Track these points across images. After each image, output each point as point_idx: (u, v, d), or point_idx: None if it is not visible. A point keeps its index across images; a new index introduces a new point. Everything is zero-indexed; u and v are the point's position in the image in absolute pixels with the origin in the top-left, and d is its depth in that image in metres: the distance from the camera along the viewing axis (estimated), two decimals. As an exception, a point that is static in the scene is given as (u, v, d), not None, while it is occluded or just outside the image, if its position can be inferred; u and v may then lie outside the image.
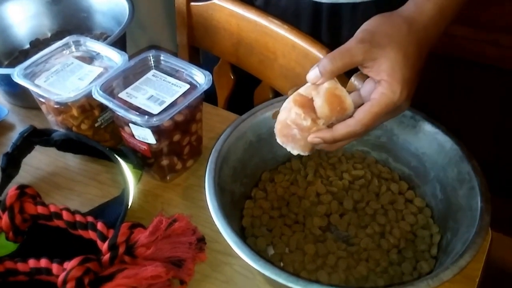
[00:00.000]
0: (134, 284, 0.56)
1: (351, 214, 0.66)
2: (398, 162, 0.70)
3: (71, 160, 0.76)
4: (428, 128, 0.65)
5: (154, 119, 0.62)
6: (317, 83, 0.54)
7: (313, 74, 0.54)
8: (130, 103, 0.65)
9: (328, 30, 0.85)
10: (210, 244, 0.63)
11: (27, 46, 0.93)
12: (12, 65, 0.89)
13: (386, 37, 0.53)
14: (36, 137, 0.71)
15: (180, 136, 0.67)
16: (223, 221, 0.55)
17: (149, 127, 0.63)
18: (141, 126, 0.63)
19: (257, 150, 0.68)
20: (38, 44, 0.93)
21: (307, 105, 0.55)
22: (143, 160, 0.69)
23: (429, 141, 0.65)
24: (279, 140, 0.59)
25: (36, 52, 0.73)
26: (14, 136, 0.71)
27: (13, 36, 0.92)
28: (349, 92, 0.56)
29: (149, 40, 1.43)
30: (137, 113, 0.63)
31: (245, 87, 0.98)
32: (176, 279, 0.59)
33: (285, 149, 0.70)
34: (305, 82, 0.78)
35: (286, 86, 0.88)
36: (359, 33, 0.55)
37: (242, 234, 0.64)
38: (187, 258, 0.60)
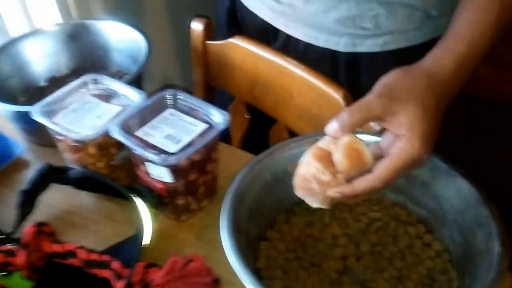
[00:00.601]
0: (149, 325, 0.59)
1: (368, 258, 0.68)
2: (416, 205, 0.73)
3: (85, 198, 0.80)
4: (445, 170, 0.68)
5: (171, 158, 0.66)
6: (335, 136, 0.58)
7: (331, 127, 0.57)
8: (147, 142, 0.69)
9: (346, 78, 0.90)
10: (225, 285, 0.66)
11: (43, 83, 0.99)
12: (28, 102, 0.94)
13: (405, 91, 0.57)
14: (52, 174, 0.75)
15: (196, 175, 0.71)
16: (239, 262, 0.58)
17: (166, 166, 0.67)
18: (157, 164, 0.67)
19: (272, 190, 0.72)
20: (54, 82, 0.98)
21: (326, 158, 0.58)
22: (158, 199, 0.73)
23: (447, 183, 0.68)
24: (298, 193, 0.62)
25: (52, 90, 0.79)
26: (29, 173, 0.75)
27: (30, 73, 0.97)
28: (369, 136, 0.59)
29: (162, 77, 1.49)
30: (154, 151, 0.67)
31: (260, 127, 1.02)
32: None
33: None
34: (320, 121, 0.82)
35: (302, 126, 0.92)
36: (378, 87, 0.58)
37: (257, 276, 0.67)
38: (202, 299, 0.63)
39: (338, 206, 0.74)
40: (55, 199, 0.79)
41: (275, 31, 0.92)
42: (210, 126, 0.72)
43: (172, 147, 0.68)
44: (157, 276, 0.62)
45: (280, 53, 0.91)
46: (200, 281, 0.64)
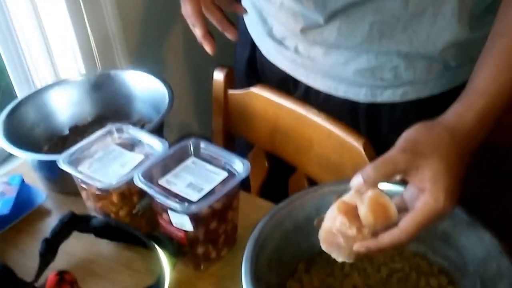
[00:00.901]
0: None
1: (389, 309, 0.70)
2: (437, 255, 0.74)
3: (105, 246, 0.83)
4: (466, 220, 0.70)
5: (193, 207, 0.69)
6: (360, 190, 0.60)
7: (356, 181, 0.60)
8: (170, 190, 0.72)
9: (366, 128, 0.92)
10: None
11: (67, 132, 1.03)
12: (51, 150, 0.98)
13: (428, 146, 0.60)
14: (75, 223, 0.78)
15: (217, 223, 0.74)
16: None
17: (188, 214, 0.70)
18: (179, 213, 0.70)
19: (293, 239, 0.74)
20: (76, 131, 1.03)
21: (352, 213, 0.60)
22: (178, 248, 0.75)
23: (468, 234, 0.69)
24: (323, 247, 0.64)
25: (75, 138, 0.83)
26: (50, 221, 0.79)
27: (54, 122, 1.02)
28: (391, 185, 0.62)
29: (181, 125, 1.54)
30: (177, 200, 0.70)
31: (279, 175, 1.05)
32: None
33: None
34: (340, 170, 0.85)
35: (322, 174, 0.94)
36: (401, 142, 0.61)
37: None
38: None
39: (358, 255, 0.76)
40: (75, 247, 0.82)
41: (295, 82, 0.96)
42: (231, 174, 0.75)
43: (194, 196, 0.71)
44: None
45: (301, 102, 0.94)
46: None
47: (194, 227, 0.71)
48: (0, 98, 1.19)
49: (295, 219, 0.73)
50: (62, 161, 0.78)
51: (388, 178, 0.60)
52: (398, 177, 0.64)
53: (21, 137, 0.94)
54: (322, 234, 0.63)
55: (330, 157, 0.92)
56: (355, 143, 0.86)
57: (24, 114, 0.98)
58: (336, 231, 0.61)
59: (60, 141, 1.01)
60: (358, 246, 0.60)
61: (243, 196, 0.89)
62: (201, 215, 0.71)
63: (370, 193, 0.60)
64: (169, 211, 0.72)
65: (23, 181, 0.91)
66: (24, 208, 0.89)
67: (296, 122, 0.95)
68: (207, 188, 0.73)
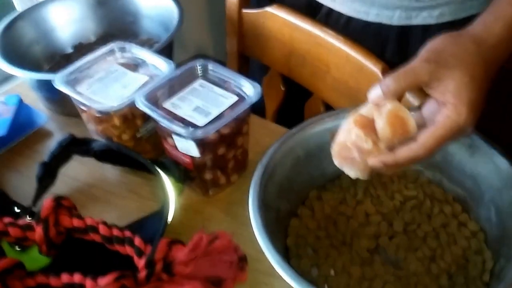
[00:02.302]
0: (171, 304, 0.61)
1: (401, 237, 0.71)
2: (452, 183, 0.75)
3: (109, 171, 0.83)
4: (484, 148, 0.70)
5: (199, 132, 0.68)
6: (379, 103, 0.59)
7: (374, 93, 0.59)
8: (175, 114, 0.72)
9: (394, 52, 0.90)
10: (252, 263, 0.68)
11: (70, 50, 1.02)
12: (53, 70, 0.98)
13: (453, 57, 0.58)
14: (74, 146, 0.78)
15: (225, 149, 0.73)
16: (266, 240, 0.61)
17: (193, 140, 0.69)
18: (185, 138, 0.69)
19: (305, 166, 0.74)
20: (81, 49, 1.01)
21: (368, 126, 0.59)
22: (185, 174, 0.76)
23: (485, 162, 0.70)
24: (336, 162, 0.64)
25: (79, 57, 0.82)
26: (51, 144, 0.79)
27: (55, 39, 1.02)
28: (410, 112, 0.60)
29: (195, 46, 1.51)
30: (182, 124, 0.69)
31: (295, 100, 1.03)
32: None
33: (334, 166, 0.75)
34: (357, 95, 0.82)
35: (338, 99, 0.93)
36: (424, 52, 0.60)
37: (286, 253, 0.69)
38: (227, 278, 0.65)
39: (371, 183, 0.77)
40: (77, 172, 0.83)
41: (317, 6, 0.93)
42: (241, 98, 0.73)
43: (200, 120, 0.70)
44: (180, 253, 0.64)
45: (317, 24, 0.93)
46: (226, 259, 0.66)
47: (200, 153, 0.71)
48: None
49: (306, 146, 0.74)
50: (58, 80, 0.76)
51: (408, 90, 0.59)
52: (416, 103, 0.62)
53: (19, 55, 0.94)
54: (335, 148, 0.63)
55: (347, 82, 0.90)
56: (374, 68, 0.84)
57: (22, 30, 0.97)
58: (351, 144, 0.60)
59: (63, 59, 1.01)
60: (374, 161, 0.60)
61: (255, 121, 0.89)
62: (208, 141, 0.70)
63: (388, 105, 0.59)
64: (173, 136, 0.71)
65: (21, 101, 0.91)
66: (23, 129, 0.90)
67: (313, 45, 0.94)
68: (215, 113, 0.72)
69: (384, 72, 0.84)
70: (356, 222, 0.72)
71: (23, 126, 0.89)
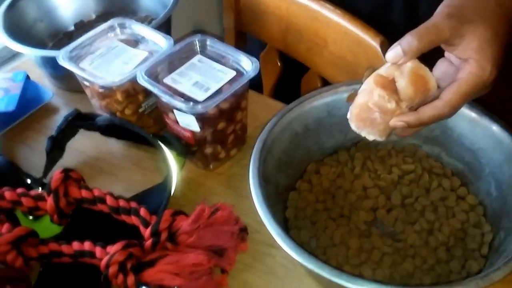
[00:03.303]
0: (176, 271, 0.61)
1: (399, 210, 0.69)
2: (452, 157, 0.73)
3: (114, 145, 0.82)
4: (485, 122, 0.67)
5: (199, 106, 0.66)
6: (398, 62, 0.56)
7: (394, 52, 0.55)
8: (175, 89, 0.70)
9: (401, 10, 0.85)
10: (252, 234, 0.68)
11: (72, 28, 1.00)
12: (56, 47, 0.96)
13: (474, 12, 0.54)
14: (80, 121, 0.77)
15: (225, 124, 0.72)
16: (266, 211, 0.59)
17: (194, 114, 0.68)
18: (185, 113, 0.68)
19: (303, 141, 0.72)
20: (82, 26, 0.99)
21: (389, 86, 0.56)
22: (186, 148, 0.74)
23: (486, 136, 0.68)
24: (354, 125, 0.60)
25: (80, 34, 0.80)
26: (58, 119, 0.78)
27: (58, 17, 0.99)
28: None
29: (193, 23, 1.49)
30: (182, 99, 0.67)
31: (292, 75, 1.01)
32: (217, 267, 0.64)
33: (332, 140, 0.75)
34: (355, 69, 0.81)
35: (336, 74, 0.91)
36: (444, 7, 0.55)
37: (285, 225, 0.68)
38: (229, 247, 0.65)
39: (369, 157, 0.75)
40: (84, 145, 0.82)
41: None
42: (240, 73, 0.72)
43: (200, 95, 0.69)
44: (184, 224, 0.64)
45: (314, -3, 0.89)
46: (227, 230, 0.65)
47: (200, 128, 0.70)
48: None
49: (304, 121, 0.72)
50: (61, 57, 0.75)
51: (430, 47, 0.54)
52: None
53: (23, 32, 0.91)
54: (354, 111, 0.59)
55: (345, 57, 0.88)
56: (372, 42, 0.82)
57: (25, 7, 0.94)
58: (373, 105, 0.57)
59: (66, 37, 0.98)
60: (396, 120, 0.57)
61: (253, 97, 0.87)
62: (208, 116, 0.69)
63: (409, 64, 0.56)
64: (174, 111, 0.70)
65: (28, 77, 0.89)
66: (31, 105, 0.88)
67: (310, 20, 0.91)
68: (214, 88, 0.70)
69: (383, 46, 0.81)
70: (354, 196, 0.70)
71: (30, 102, 0.88)
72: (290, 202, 0.71)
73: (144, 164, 0.79)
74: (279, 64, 1.03)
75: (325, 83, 0.96)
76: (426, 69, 0.57)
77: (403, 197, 0.70)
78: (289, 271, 0.65)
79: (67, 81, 0.89)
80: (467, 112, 0.69)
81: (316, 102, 0.72)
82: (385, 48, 0.81)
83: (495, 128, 0.67)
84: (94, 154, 0.81)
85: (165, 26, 0.88)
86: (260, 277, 0.65)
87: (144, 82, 0.70)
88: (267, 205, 0.60)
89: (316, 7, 0.89)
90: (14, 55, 1.06)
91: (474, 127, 0.69)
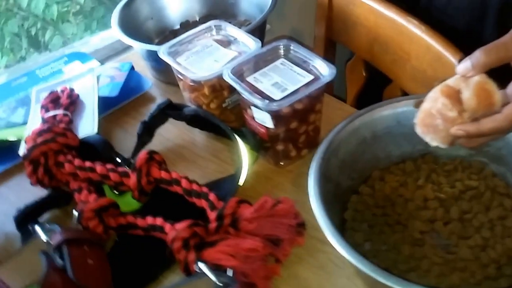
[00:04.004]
0: (233, 253, 0.64)
1: (456, 224, 0.69)
2: (518, 178, 0.71)
3: (198, 135, 0.88)
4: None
5: (274, 104, 0.71)
6: (467, 75, 0.57)
7: (463, 66, 0.57)
8: (256, 87, 0.75)
9: (493, 29, 0.85)
10: (310, 230, 0.70)
11: (177, 26, 1.08)
12: (161, 43, 1.03)
13: None
14: (170, 110, 0.84)
15: (297, 124, 0.76)
16: (321, 208, 0.62)
17: (268, 112, 0.72)
18: (261, 109, 0.73)
19: (370, 147, 0.74)
20: (187, 26, 1.07)
21: (454, 96, 0.58)
22: (260, 144, 0.79)
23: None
24: (419, 130, 0.62)
25: (184, 33, 0.87)
26: (153, 107, 0.85)
27: (165, 17, 1.07)
28: None
29: (291, 29, 1.53)
30: (259, 97, 0.72)
31: (376, 86, 1.03)
32: (272, 257, 0.67)
33: (400, 150, 0.76)
34: (434, 84, 0.81)
35: (416, 88, 0.92)
36: None
37: (342, 226, 0.70)
38: (285, 239, 0.68)
39: (435, 170, 0.75)
40: (171, 133, 0.88)
41: None
42: (317, 78, 0.75)
43: (277, 95, 0.73)
44: (246, 211, 0.67)
45: (402, 12, 0.91)
46: (286, 222, 0.68)
47: (274, 125, 0.74)
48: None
49: (373, 128, 0.73)
50: (162, 51, 0.82)
51: (498, 64, 0.56)
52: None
53: (134, 29, 1.00)
54: (419, 116, 0.62)
55: (425, 71, 0.89)
56: (452, 58, 0.82)
57: (139, 6, 1.03)
58: (436, 112, 0.59)
59: (171, 34, 1.06)
60: (457, 128, 0.58)
61: (334, 103, 0.90)
62: (282, 114, 0.73)
63: (476, 78, 0.57)
64: (252, 107, 0.74)
65: (132, 68, 0.98)
66: (131, 93, 0.96)
67: (396, 33, 0.92)
68: (290, 89, 0.74)
69: None
70: (414, 205, 0.70)
71: (131, 90, 0.96)
72: (350, 204, 0.72)
73: (221, 155, 0.84)
74: (364, 74, 1.04)
75: (405, 96, 0.96)
76: (493, 85, 0.57)
77: (462, 212, 0.69)
78: (339, 269, 0.67)
79: (165, 74, 0.96)
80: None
81: (387, 111, 0.73)
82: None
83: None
84: (179, 142, 0.88)
85: (259, 30, 0.94)
86: (310, 271, 0.68)
87: (228, 78, 0.75)
88: (323, 203, 0.63)
89: (402, 21, 0.90)
90: (125, 48, 1.17)
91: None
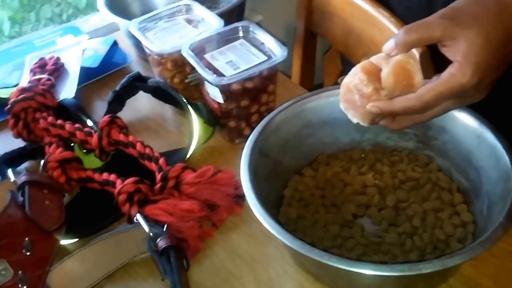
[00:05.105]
0: (170, 211, 0.67)
1: (390, 211, 0.68)
2: (459, 173, 0.70)
3: (167, 110, 0.90)
4: (491, 140, 0.64)
5: (223, 79, 0.72)
6: (390, 54, 0.57)
7: (388, 44, 0.56)
8: (211, 64, 0.76)
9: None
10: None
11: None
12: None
13: (471, 16, 0.53)
14: (139, 82, 0.86)
15: (248, 102, 0.76)
16: (249, 180, 0.62)
17: (218, 86, 0.73)
18: (212, 84, 0.74)
19: (315, 131, 0.74)
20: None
21: (374, 73, 0.57)
22: (215, 119, 0.80)
23: (489, 154, 0.64)
24: (341, 105, 0.62)
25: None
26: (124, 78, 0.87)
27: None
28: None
29: (286, 19, 1.51)
30: (210, 72, 0.73)
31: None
32: (209, 221, 0.69)
33: (348, 137, 0.75)
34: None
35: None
36: (444, 9, 0.55)
37: (279, 201, 0.71)
38: (222, 205, 0.70)
39: (381, 160, 0.74)
40: (142, 105, 0.91)
41: None
42: (270, 58, 0.76)
43: (229, 72, 0.74)
44: (189, 176, 0.70)
45: (375, 3, 0.89)
46: (224, 190, 0.70)
47: (224, 100, 0.75)
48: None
49: (319, 112, 0.73)
50: (133, 26, 0.85)
51: (420, 44, 0.55)
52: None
53: (120, 10, 1.01)
54: (340, 91, 0.61)
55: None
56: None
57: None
58: (353, 87, 0.58)
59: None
60: (371, 105, 0.57)
61: (296, 89, 0.90)
62: (231, 90, 0.74)
63: (398, 57, 0.56)
64: (205, 82, 0.76)
65: (115, 43, 1.00)
66: (111, 66, 0.98)
67: (368, 24, 0.91)
68: (242, 67, 0.75)
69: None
70: (352, 189, 0.70)
71: (112, 64, 0.98)
72: (291, 182, 0.72)
73: (183, 129, 0.85)
74: (340, 66, 1.04)
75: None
76: (415, 65, 0.56)
77: (399, 200, 0.69)
78: (269, 240, 0.68)
79: (144, 51, 0.98)
80: (475, 127, 0.66)
81: (334, 98, 0.72)
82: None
83: (497, 146, 0.63)
84: (147, 114, 0.90)
85: (238, 11, 0.95)
86: (243, 238, 0.69)
87: (185, 54, 0.77)
88: (254, 173, 0.63)
89: (374, 12, 0.89)
90: (117, 29, 1.19)
91: (480, 143, 0.66)
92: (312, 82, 1.11)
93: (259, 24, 0.80)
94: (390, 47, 0.56)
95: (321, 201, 0.71)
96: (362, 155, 0.76)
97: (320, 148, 0.76)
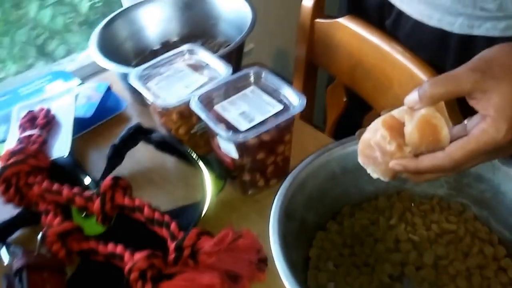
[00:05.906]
0: (189, 288, 0.60)
1: (429, 270, 0.61)
2: (500, 224, 0.64)
3: (169, 160, 0.82)
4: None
5: (240, 136, 0.64)
6: (414, 107, 0.51)
7: (411, 97, 0.51)
8: (222, 116, 0.69)
9: (455, 63, 0.81)
10: (273, 266, 0.64)
11: (157, 46, 1.02)
12: (140, 63, 0.97)
13: (502, 68, 0.48)
14: (141, 133, 0.78)
15: (265, 155, 0.69)
16: (280, 253, 0.55)
17: (233, 143, 0.66)
18: (225, 140, 0.67)
19: (340, 182, 0.67)
20: (167, 46, 1.01)
21: (396, 128, 0.52)
22: (227, 172, 0.73)
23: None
24: (360, 159, 0.56)
25: (164, 53, 0.81)
26: (124, 130, 0.79)
27: (144, 37, 1.01)
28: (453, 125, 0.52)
29: (276, 50, 1.47)
30: (224, 127, 0.66)
31: (356, 112, 0.97)
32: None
33: (373, 185, 0.69)
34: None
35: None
36: (473, 60, 0.50)
37: (306, 264, 0.64)
38: (245, 275, 0.62)
39: (410, 209, 0.68)
40: (142, 156, 0.82)
41: (390, 6, 0.85)
42: (286, 108, 0.69)
43: (243, 125, 0.67)
44: (206, 244, 0.62)
45: (386, 38, 0.84)
46: (246, 258, 0.63)
47: (239, 155, 0.68)
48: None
49: (344, 162, 0.66)
50: (133, 76, 0.77)
51: (447, 98, 0.49)
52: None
53: (113, 49, 0.94)
54: (359, 146, 0.55)
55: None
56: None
57: (118, 27, 0.97)
58: (374, 144, 0.53)
59: (151, 54, 1.01)
60: (395, 163, 0.52)
61: (308, 130, 0.84)
62: (247, 145, 0.67)
63: (422, 111, 0.50)
64: (217, 137, 0.69)
65: (109, 88, 0.92)
66: (107, 113, 0.90)
67: (379, 59, 0.85)
68: (258, 119, 0.67)
69: None
70: (384, 246, 0.64)
71: (107, 110, 0.90)
72: (316, 241, 0.66)
73: (190, 181, 0.78)
74: (344, 99, 0.98)
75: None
76: (441, 119, 0.50)
77: (437, 257, 0.62)
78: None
79: (141, 95, 0.90)
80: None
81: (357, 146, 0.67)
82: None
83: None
84: (149, 165, 0.82)
85: (236, 52, 0.88)
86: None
87: (194, 106, 0.69)
88: (283, 241, 0.56)
89: (386, 47, 0.83)
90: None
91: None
92: (313, 115, 1.05)
93: (270, 70, 0.74)
94: (414, 100, 0.51)
95: (352, 261, 0.64)
96: (389, 204, 0.69)
97: (344, 199, 0.69)
